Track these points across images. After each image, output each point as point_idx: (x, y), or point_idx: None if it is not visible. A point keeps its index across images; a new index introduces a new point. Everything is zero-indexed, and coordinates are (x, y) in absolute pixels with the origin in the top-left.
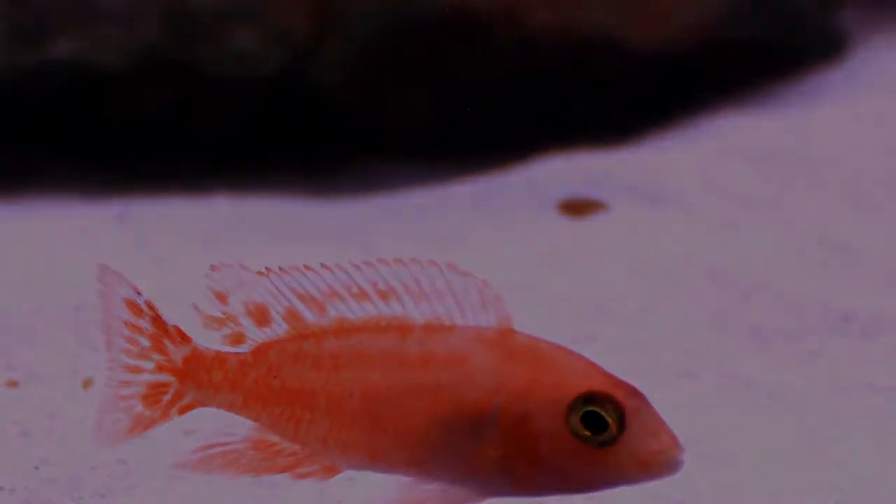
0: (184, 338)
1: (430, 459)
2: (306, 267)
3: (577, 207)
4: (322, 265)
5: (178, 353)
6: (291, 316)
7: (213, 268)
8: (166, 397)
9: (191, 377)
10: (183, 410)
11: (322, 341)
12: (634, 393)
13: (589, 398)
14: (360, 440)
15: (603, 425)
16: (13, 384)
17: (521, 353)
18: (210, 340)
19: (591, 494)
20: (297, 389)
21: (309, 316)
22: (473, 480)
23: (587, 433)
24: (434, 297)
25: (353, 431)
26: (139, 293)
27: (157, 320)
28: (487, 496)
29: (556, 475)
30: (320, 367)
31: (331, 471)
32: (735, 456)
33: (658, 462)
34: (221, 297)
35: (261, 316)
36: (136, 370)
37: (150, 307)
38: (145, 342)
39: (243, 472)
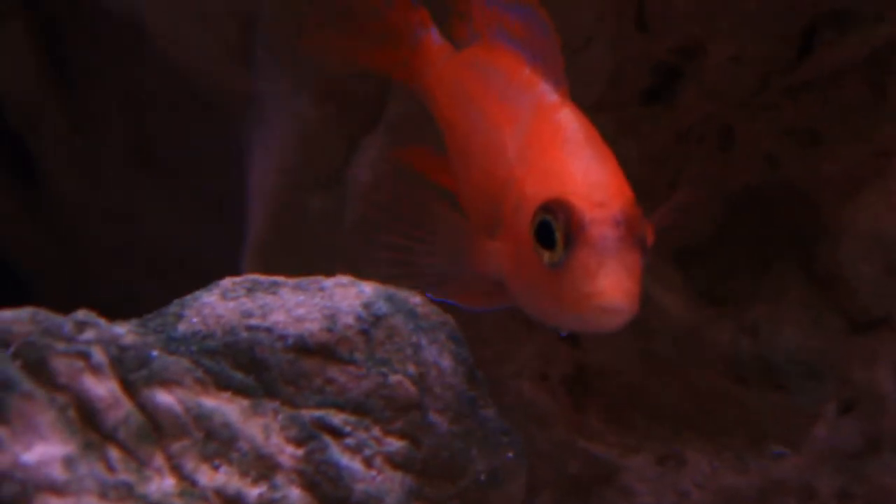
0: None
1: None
2: None
3: None
4: None
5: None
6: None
7: None
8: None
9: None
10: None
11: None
12: (617, 222)
13: (549, 205)
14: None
15: (552, 240)
16: None
17: (548, 133)
18: None
19: None
20: (450, 105)
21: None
22: (483, 275)
23: (539, 245)
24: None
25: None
26: None
27: None
28: (494, 302)
29: (521, 289)
30: (461, 87)
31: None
32: None
33: (587, 306)
34: None
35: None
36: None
37: None
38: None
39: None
